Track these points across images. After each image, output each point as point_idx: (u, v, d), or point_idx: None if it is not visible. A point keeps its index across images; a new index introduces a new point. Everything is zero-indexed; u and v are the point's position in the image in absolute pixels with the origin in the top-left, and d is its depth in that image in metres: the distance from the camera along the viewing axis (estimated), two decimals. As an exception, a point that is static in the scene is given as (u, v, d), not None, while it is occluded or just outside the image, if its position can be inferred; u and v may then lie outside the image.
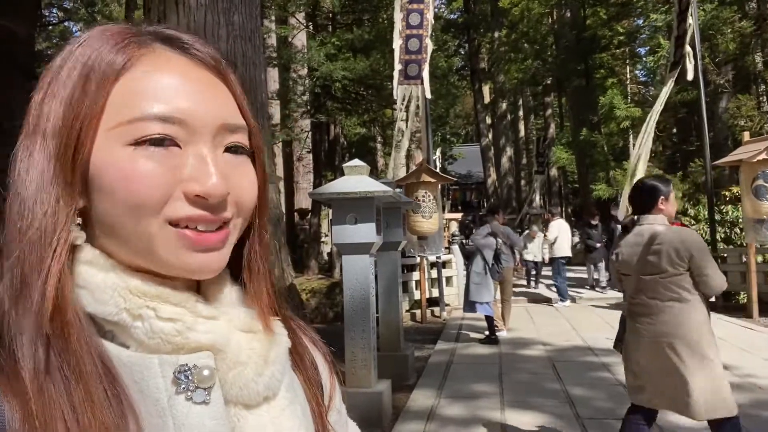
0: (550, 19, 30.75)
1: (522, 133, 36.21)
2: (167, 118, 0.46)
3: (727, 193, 12.01)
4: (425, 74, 10.26)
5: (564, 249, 11.20)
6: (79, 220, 0.47)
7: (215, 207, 0.46)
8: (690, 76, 9.65)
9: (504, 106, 31.55)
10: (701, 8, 15.75)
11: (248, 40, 4.40)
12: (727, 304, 9.23)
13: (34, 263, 0.44)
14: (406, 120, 10.57)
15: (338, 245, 4.61)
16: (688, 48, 9.63)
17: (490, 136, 32.70)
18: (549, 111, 32.84)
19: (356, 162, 4.71)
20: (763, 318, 8.19)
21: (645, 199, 2.84)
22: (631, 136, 20.11)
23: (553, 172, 31.17)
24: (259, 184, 0.51)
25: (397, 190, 6.37)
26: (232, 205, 0.48)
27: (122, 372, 0.44)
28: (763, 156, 7.93)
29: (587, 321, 8.69)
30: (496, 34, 29.69)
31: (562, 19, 28.32)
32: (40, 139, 0.46)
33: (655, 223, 2.80)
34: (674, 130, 22.41)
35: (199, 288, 0.52)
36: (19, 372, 0.41)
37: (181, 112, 0.46)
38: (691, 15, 9.93)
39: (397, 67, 10.17)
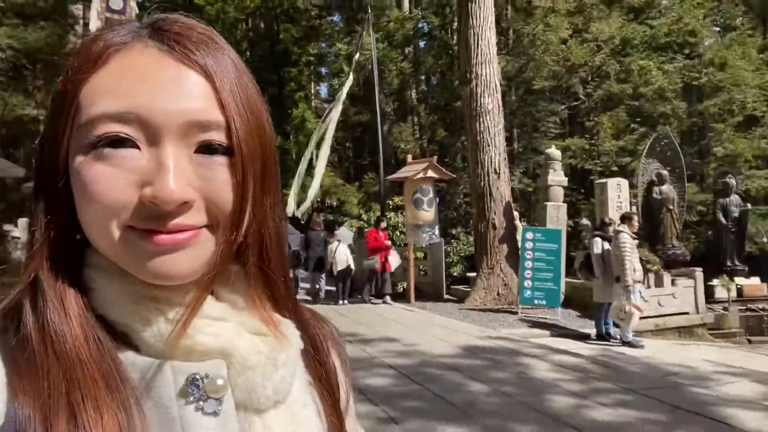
0: (245, 26, 31.49)
1: None
2: (122, 116, 0.42)
3: (390, 203, 14.63)
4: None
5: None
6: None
7: (175, 213, 0.42)
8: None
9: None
10: (378, 46, 18.78)
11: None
12: (394, 292, 11.38)
13: (41, 267, 0.45)
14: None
15: None
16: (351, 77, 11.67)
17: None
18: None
19: None
20: (418, 302, 10.41)
21: None
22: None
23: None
24: (237, 188, 0.45)
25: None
26: (203, 211, 0.44)
27: (134, 377, 0.43)
28: (421, 175, 10.11)
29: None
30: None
31: (257, 28, 29.40)
32: (45, 143, 0.47)
33: None
34: (349, 146, 25.76)
35: (213, 290, 0.50)
36: (33, 372, 0.41)
37: (138, 109, 0.42)
38: (368, 50, 11.94)
39: (94, 25, 9.25)
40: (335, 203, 19.39)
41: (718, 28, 19.70)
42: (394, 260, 10.44)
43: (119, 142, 0.43)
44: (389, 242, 10.62)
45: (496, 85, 10.95)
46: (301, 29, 25.41)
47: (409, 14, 21.03)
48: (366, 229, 12.77)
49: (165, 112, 0.43)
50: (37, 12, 15.63)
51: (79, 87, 0.44)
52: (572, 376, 5.42)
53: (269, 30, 27.63)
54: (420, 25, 21.44)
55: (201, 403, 0.45)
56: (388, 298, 10.28)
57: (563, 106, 18.31)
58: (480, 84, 10.72)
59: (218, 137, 0.44)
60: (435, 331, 7.68)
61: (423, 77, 22.29)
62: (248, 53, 29.06)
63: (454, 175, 12.54)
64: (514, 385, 5.03)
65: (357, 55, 14.71)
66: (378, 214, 12.48)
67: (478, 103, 10.70)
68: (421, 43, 22.29)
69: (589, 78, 17.83)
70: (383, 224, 10.81)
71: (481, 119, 10.69)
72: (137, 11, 10.12)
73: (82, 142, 0.43)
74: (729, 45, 16.70)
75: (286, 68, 25.67)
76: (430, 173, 10.18)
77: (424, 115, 20.63)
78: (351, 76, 12.69)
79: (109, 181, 0.42)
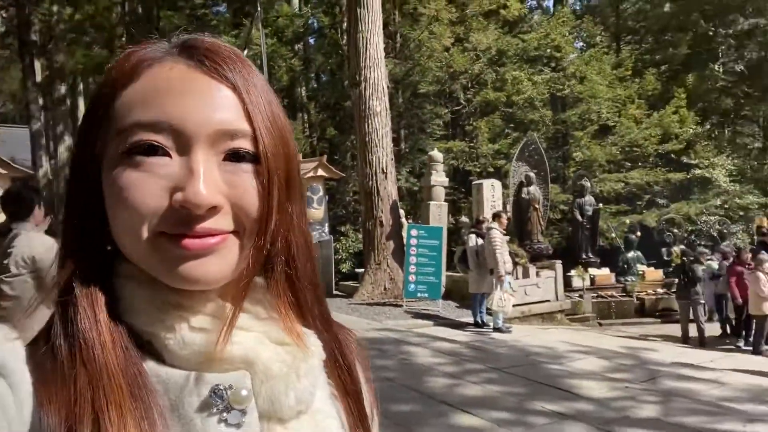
0: (121, 9, 29.53)
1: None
2: (154, 125, 0.44)
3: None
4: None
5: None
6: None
7: (203, 218, 0.44)
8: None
9: (63, 89, 28.45)
10: (268, 42, 18.64)
11: None
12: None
13: (73, 276, 0.46)
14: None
15: None
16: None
17: (42, 119, 28.80)
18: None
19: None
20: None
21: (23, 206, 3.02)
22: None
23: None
24: (265, 193, 0.47)
25: None
26: (230, 216, 0.46)
27: (158, 387, 0.44)
28: (311, 174, 10.34)
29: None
30: (55, 8, 26.62)
31: (135, 12, 27.71)
32: (79, 155, 0.48)
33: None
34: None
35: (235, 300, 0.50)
36: (60, 380, 0.42)
37: (169, 118, 0.44)
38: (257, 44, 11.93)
39: None
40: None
41: (581, 44, 21.95)
42: None
43: (151, 150, 0.44)
44: None
45: (383, 89, 11.44)
46: (183, 17, 24.39)
47: (299, 12, 21.06)
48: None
49: (195, 121, 0.45)
50: None
51: (112, 100, 0.47)
52: (448, 359, 6.01)
53: (148, 15, 26.17)
54: (310, 21, 21.56)
55: (225, 414, 0.45)
56: None
57: (446, 110, 19.40)
58: (368, 87, 11.15)
59: (245, 145, 0.46)
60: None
61: (313, 75, 22.43)
62: (124, 39, 27.32)
63: (344, 174, 12.92)
64: (397, 371, 5.48)
65: (245, 51, 14.54)
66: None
67: (367, 106, 11.13)
68: (311, 40, 22.44)
69: (469, 85, 19.07)
70: None
71: (369, 121, 11.12)
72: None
73: (115, 152, 0.45)
74: (588, 61, 18.69)
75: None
76: (320, 172, 10.46)
77: (314, 113, 20.80)
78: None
79: (142, 187, 0.44)
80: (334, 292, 11.39)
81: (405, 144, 21.49)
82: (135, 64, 0.47)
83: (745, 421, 4.04)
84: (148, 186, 0.44)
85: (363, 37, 11.31)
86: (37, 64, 27.61)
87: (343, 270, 13.76)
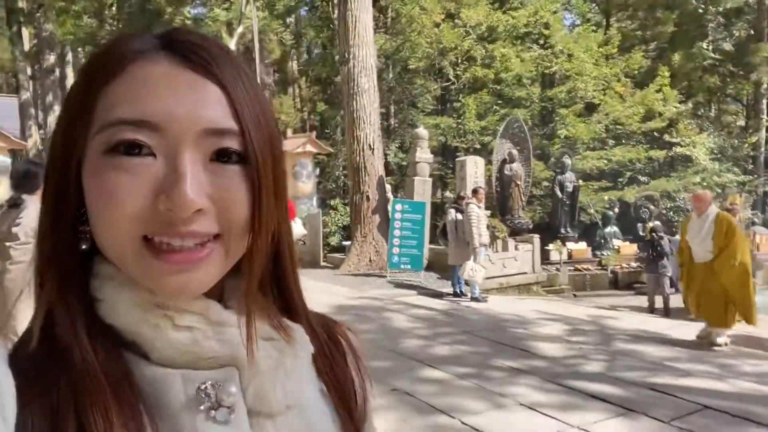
0: (111, -21, 29.12)
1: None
2: (138, 123, 0.43)
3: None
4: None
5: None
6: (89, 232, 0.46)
7: (189, 221, 0.43)
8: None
9: (52, 59, 28.32)
10: (259, 15, 18.73)
11: None
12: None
13: (50, 277, 0.46)
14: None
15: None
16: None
17: (31, 89, 28.65)
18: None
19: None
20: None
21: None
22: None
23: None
24: (252, 196, 0.46)
25: None
26: (216, 219, 0.45)
27: (143, 386, 0.44)
28: (300, 149, 10.73)
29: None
30: (43, -25, 26.30)
31: (125, -17, 27.40)
32: (57, 151, 0.47)
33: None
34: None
35: (222, 295, 0.50)
36: (42, 383, 0.42)
37: (154, 116, 0.43)
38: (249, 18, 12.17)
39: None
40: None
41: (571, 19, 22.12)
42: (294, 230, 10.80)
43: (135, 149, 0.43)
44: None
45: (371, 66, 11.75)
46: (175, -12, 24.24)
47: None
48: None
49: (181, 119, 0.43)
50: None
51: (95, 96, 0.44)
52: (423, 324, 6.53)
53: (139, -15, 25.94)
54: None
55: (213, 412, 0.45)
56: None
57: (436, 86, 19.67)
58: (357, 65, 11.46)
59: (233, 145, 0.45)
60: (310, 294, 8.46)
61: (304, 49, 22.52)
62: (113, 8, 27.10)
63: (332, 150, 13.28)
64: (376, 333, 6.00)
65: (240, 27, 14.71)
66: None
67: (356, 83, 11.45)
68: (303, 12, 22.48)
69: (459, 61, 19.31)
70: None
71: (357, 98, 11.46)
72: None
73: (97, 150, 0.43)
74: (576, 39, 18.95)
75: (156, 29, 24.38)
76: (309, 148, 10.83)
77: (305, 88, 20.98)
78: (231, 46, 12.79)
79: (125, 189, 0.42)
80: (322, 263, 11.89)
81: (395, 119, 21.78)
82: (119, 57, 0.45)
83: (678, 376, 4.58)
84: (131, 187, 0.43)
85: (352, 15, 11.57)
86: (25, 33, 27.41)
87: (332, 243, 14.21)
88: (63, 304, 0.45)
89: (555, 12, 19.32)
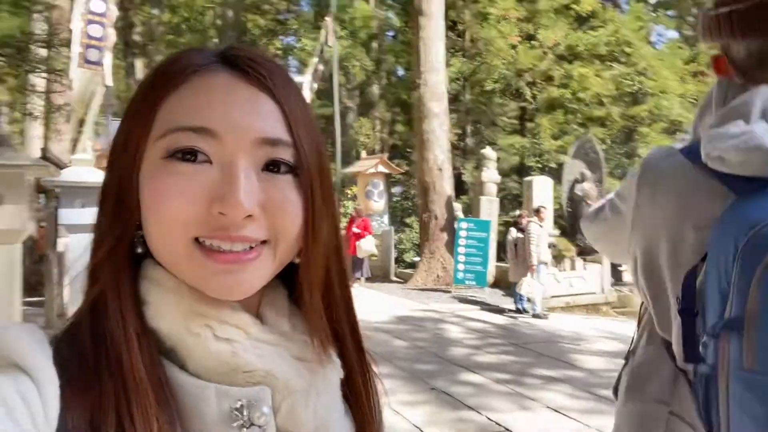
0: (213, 13, 31.91)
1: None
2: (197, 131, 0.45)
3: (348, 192, 15.93)
4: (107, 61, 10.62)
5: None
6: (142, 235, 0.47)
7: (240, 226, 0.45)
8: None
9: (161, 87, 31.38)
10: (341, 43, 19.94)
11: None
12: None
13: (105, 278, 0.46)
14: (87, 106, 10.71)
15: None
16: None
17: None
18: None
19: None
20: (368, 283, 11.79)
21: None
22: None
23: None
24: (304, 206, 0.48)
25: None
26: (266, 227, 0.46)
27: (179, 395, 0.44)
28: (372, 170, 11.44)
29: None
30: (156, 11, 29.36)
31: (225, 16, 29.98)
32: (116, 157, 0.48)
33: None
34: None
35: (258, 311, 0.51)
36: (86, 382, 0.42)
37: (212, 125, 0.45)
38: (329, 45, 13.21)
39: (76, 50, 10.25)
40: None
41: (656, 37, 21.54)
42: (365, 246, 11.14)
43: (192, 155, 0.45)
44: (356, 230, 11.24)
45: (442, 92, 12.32)
46: (268, 22, 26.25)
47: (374, 13, 22.18)
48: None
49: (237, 128, 0.45)
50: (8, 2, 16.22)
51: (158, 103, 0.47)
52: (475, 335, 6.90)
53: (236, 19, 28.35)
54: (387, 17, 22.62)
55: (245, 430, 0.45)
56: (361, 281, 11.16)
57: (512, 107, 19.88)
58: (428, 90, 12.07)
59: (286, 155, 0.47)
60: (377, 305, 9.08)
61: (384, 73, 23.50)
62: (215, 41, 29.73)
63: (402, 170, 13.92)
64: (427, 341, 6.46)
65: (321, 52, 15.80)
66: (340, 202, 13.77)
67: (426, 107, 12.06)
68: (390, 35, 23.51)
69: (536, 81, 19.42)
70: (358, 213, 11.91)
71: (428, 121, 12.05)
72: (117, 13, 11.03)
73: (156, 155, 0.46)
74: (660, 56, 18.51)
75: (253, 59, 26.44)
76: (380, 168, 11.50)
77: (385, 110, 21.86)
78: (308, 77, 13.83)
79: (181, 193, 0.44)
80: (392, 278, 12.46)
81: (472, 139, 22.15)
82: (181, 69, 0.48)
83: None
84: (187, 192, 0.44)
85: (424, 44, 12.23)
86: (138, 64, 30.60)
87: (407, 259, 14.72)
88: (116, 303, 0.45)
89: (640, 29, 19.00)
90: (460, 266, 10.52)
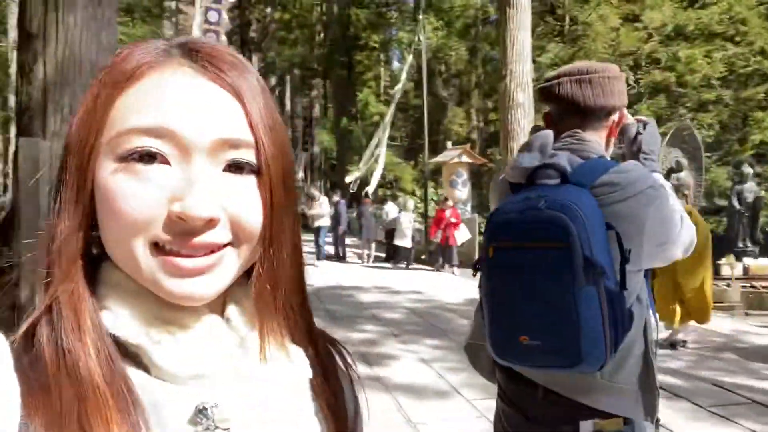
0: (320, 10, 33.48)
1: (288, 107, 38.12)
2: (154, 131, 0.43)
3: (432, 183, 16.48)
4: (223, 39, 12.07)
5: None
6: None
7: (201, 230, 0.43)
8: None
9: (273, 80, 33.78)
10: (435, 34, 20.41)
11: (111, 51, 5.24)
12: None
13: (59, 282, 0.45)
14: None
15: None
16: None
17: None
18: (315, 92, 35.46)
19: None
20: (455, 268, 12.35)
21: None
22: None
23: (316, 149, 34.05)
24: (266, 207, 0.47)
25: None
26: (227, 229, 0.45)
27: (144, 401, 0.43)
28: (456, 160, 11.92)
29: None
30: (269, 10, 31.43)
31: (330, 12, 31.42)
32: (70, 159, 0.46)
33: None
34: (405, 126, 27.56)
35: (224, 310, 0.51)
36: (46, 390, 0.41)
37: (171, 125, 0.43)
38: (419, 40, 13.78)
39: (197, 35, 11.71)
40: (393, 179, 21.41)
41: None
42: (460, 235, 11.70)
43: (149, 157, 0.43)
44: (453, 219, 11.83)
45: (528, 82, 12.44)
46: (371, 15, 27.22)
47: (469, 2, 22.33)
48: (419, 204, 14.75)
49: (197, 128, 0.44)
50: (141, 9, 18.55)
51: (111, 101, 0.45)
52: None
53: (341, 14, 29.66)
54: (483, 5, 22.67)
55: None
56: (454, 269, 11.79)
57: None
58: (513, 80, 12.25)
59: (247, 156, 0.46)
60: (454, 288, 9.66)
61: (479, 63, 23.57)
62: (321, 35, 31.35)
63: (486, 160, 14.20)
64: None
65: (415, 43, 16.41)
66: (424, 191, 14.40)
67: (511, 98, 12.25)
68: (490, 21, 23.53)
69: (643, 64, 18.56)
70: (449, 202, 12.61)
71: (512, 112, 12.24)
72: (228, 23, 12.44)
73: (111, 156, 0.44)
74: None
75: (355, 52, 27.71)
76: (464, 158, 11.95)
77: (479, 100, 22.02)
78: (404, 72, 14.54)
79: (138, 196, 0.43)
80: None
81: (570, 127, 21.64)
82: (137, 65, 0.46)
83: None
84: (145, 195, 0.43)
85: (511, 35, 12.40)
86: (255, 59, 32.96)
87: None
88: (70, 308, 0.44)
89: (759, 4, 17.52)
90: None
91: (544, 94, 1.47)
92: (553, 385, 1.37)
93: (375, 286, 10.01)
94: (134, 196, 0.43)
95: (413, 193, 17.67)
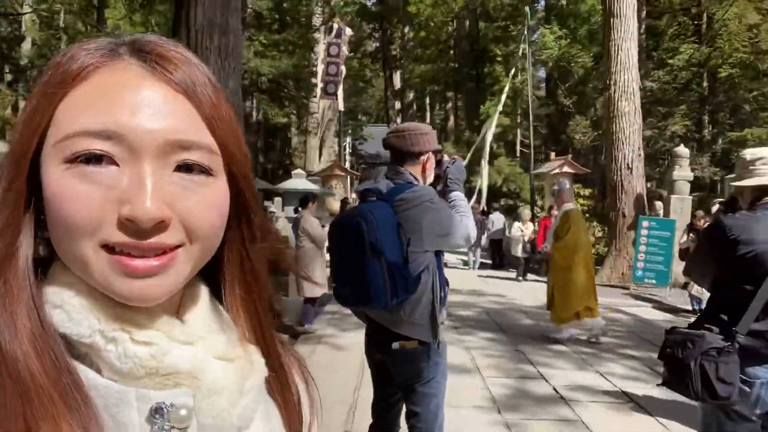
0: (450, 28, 34.62)
1: (428, 120, 39.29)
2: (102, 133, 0.42)
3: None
4: (340, 92, 13.79)
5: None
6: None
7: (150, 232, 0.43)
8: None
9: (411, 95, 35.52)
10: (558, 44, 20.45)
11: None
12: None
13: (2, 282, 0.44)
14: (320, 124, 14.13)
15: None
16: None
17: (398, 120, 35.72)
18: (450, 104, 36.50)
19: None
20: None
21: None
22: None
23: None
24: (219, 207, 0.47)
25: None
26: (178, 230, 0.45)
27: (97, 401, 0.43)
28: (557, 170, 12.24)
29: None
30: (407, 29, 33.29)
31: (460, 29, 32.45)
32: (9, 158, 0.45)
33: None
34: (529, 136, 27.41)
35: (179, 310, 0.50)
36: None
37: (118, 126, 0.42)
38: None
39: (320, 85, 13.64)
40: (514, 189, 21.68)
41: None
42: None
43: (97, 159, 0.42)
44: None
45: (633, 90, 12.33)
46: (498, 29, 27.78)
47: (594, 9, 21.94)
48: (539, 214, 15.13)
49: (146, 130, 0.43)
50: (288, 44, 21.17)
51: (55, 103, 0.44)
52: (611, 326, 7.55)
53: (471, 30, 30.55)
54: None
55: None
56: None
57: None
58: (617, 90, 12.25)
59: (198, 157, 0.45)
60: (541, 294, 10.08)
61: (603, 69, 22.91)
62: (452, 52, 32.48)
63: (588, 170, 14.11)
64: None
65: (525, 58, 16.75)
66: (531, 201, 14.76)
67: (616, 107, 12.26)
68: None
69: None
70: (554, 211, 13.05)
71: (617, 121, 12.24)
72: (347, 54, 14.17)
73: (57, 158, 0.43)
74: None
75: (482, 65, 28.42)
76: (566, 168, 12.22)
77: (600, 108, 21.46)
78: (507, 86, 15.02)
79: (86, 199, 0.42)
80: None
81: (708, 131, 20.23)
82: (83, 65, 0.45)
83: None
84: (92, 197, 0.42)
85: (615, 45, 12.42)
86: (396, 75, 34.94)
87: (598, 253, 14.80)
88: (8, 311, 0.43)
89: None
90: (640, 264, 10.66)
91: (383, 143, 2.41)
92: (380, 320, 2.30)
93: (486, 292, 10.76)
94: (81, 198, 0.42)
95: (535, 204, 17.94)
